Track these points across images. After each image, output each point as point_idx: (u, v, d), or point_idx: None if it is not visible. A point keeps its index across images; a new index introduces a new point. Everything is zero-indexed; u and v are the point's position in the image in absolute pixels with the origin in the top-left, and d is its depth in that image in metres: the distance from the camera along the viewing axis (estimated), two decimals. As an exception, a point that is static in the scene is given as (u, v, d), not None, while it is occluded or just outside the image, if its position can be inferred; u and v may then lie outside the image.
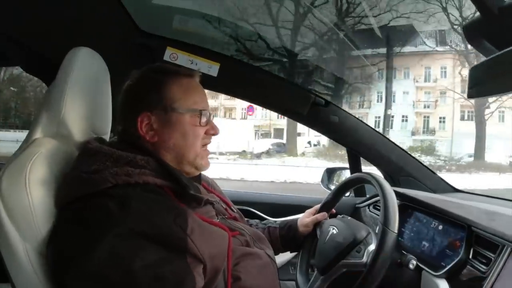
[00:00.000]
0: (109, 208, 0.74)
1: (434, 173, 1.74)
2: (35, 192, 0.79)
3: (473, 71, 0.69)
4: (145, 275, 0.69)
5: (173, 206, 0.80)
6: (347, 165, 1.85)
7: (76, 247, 0.73)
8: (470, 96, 0.70)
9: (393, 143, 1.73)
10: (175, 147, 0.91)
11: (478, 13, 0.67)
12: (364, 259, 0.99)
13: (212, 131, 0.97)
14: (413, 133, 18.81)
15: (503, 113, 19.31)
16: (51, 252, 0.78)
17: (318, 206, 1.33)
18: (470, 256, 0.99)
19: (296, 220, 1.31)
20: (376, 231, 1.03)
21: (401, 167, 1.70)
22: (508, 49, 0.58)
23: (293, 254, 1.63)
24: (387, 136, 1.74)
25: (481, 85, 0.68)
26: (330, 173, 1.95)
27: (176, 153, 0.91)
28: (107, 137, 1.10)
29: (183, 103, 0.91)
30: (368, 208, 1.60)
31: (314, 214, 1.30)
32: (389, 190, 1.02)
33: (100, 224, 0.72)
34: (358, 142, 1.72)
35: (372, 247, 1.00)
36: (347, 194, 1.71)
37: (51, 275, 0.79)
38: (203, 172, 1.02)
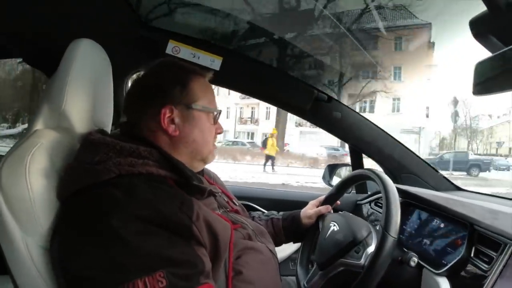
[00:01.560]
0: (115, 196, 0.73)
1: (436, 171, 1.74)
2: (35, 183, 0.78)
3: (479, 67, 0.68)
4: (156, 258, 0.69)
5: (178, 194, 0.80)
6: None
7: (83, 236, 0.72)
8: (475, 93, 0.69)
9: (396, 140, 1.72)
10: (193, 143, 0.93)
11: (485, 8, 0.66)
12: (362, 261, 0.98)
13: (219, 130, 1.00)
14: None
15: (373, 102, 19.61)
16: (56, 244, 0.77)
17: (321, 197, 1.33)
18: (472, 255, 0.98)
19: (299, 211, 1.32)
20: (377, 228, 1.03)
21: (403, 165, 1.70)
22: None
23: (293, 249, 1.64)
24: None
25: (487, 81, 0.67)
26: (331, 169, 1.95)
27: (194, 148, 0.93)
28: (108, 129, 1.10)
29: (202, 101, 0.94)
30: (370, 205, 1.59)
31: (318, 206, 1.30)
32: (393, 192, 1.01)
33: (106, 212, 0.71)
34: (360, 139, 1.71)
35: (371, 249, 0.99)
36: (349, 190, 1.71)
37: (53, 267, 0.79)
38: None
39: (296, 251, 1.63)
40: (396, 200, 0.99)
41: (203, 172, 1.03)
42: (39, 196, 0.78)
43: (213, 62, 1.49)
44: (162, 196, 0.76)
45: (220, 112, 0.99)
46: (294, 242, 1.37)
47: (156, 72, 0.96)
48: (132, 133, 0.92)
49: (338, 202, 1.34)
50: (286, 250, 1.64)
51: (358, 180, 1.34)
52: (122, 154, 0.82)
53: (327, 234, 1.09)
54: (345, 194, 1.36)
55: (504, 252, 0.89)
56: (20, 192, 0.77)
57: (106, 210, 0.72)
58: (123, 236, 0.69)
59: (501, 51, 0.62)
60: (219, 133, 1.00)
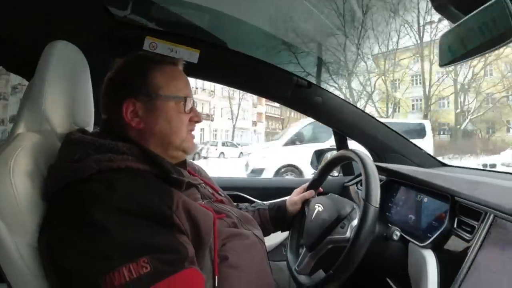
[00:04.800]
0: (96, 191, 0.75)
1: (420, 149, 1.76)
2: (20, 184, 0.79)
3: (443, 39, 0.69)
4: (139, 245, 0.70)
5: (158, 186, 0.82)
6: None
7: (69, 231, 0.73)
8: (442, 64, 0.71)
9: (379, 121, 1.74)
10: (161, 134, 0.92)
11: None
12: (348, 234, 1.00)
13: (196, 118, 0.98)
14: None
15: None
16: (44, 240, 0.78)
17: (305, 185, 1.36)
18: (455, 226, 1.00)
19: (284, 200, 1.33)
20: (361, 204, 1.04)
21: (388, 145, 1.73)
22: (474, 12, 0.59)
23: (285, 236, 1.66)
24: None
25: (452, 51, 0.69)
26: (319, 155, 1.97)
27: (162, 139, 0.93)
28: (90, 128, 1.10)
29: (167, 90, 0.93)
30: (356, 186, 1.62)
31: (302, 193, 1.32)
32: (371, 165, 1.03)
33: (89, 206, 0.73)
34: (343, 122, 1.73)
35: (355, 222, 1.01)
36: (336, 174, 1.74)
37: (42, 263, 0.79)
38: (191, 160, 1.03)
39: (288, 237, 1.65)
40: (374, 172, 1.01)
41: (186, 165, 1.04)
42: (24, 196, 0.79)
43: (191, 55, 1.49)
44: (142, 188, 0.78)
45: (190, 98, 0.96)
46: (282, 231, 1.39)
47: (117, 68, 0.96)
48: (111, 130, 0.93)
49: (321, 189, 1.36)
50: (277, 237, 1.65)
51: (338, 162, 1.36)
52: (101, 151, 0.83)
53: (313, 216, 1.11)
54: (333, 178, 1.38)
55: (485, 221, 0.91)
56: (6, 194, 0.77)
57: (89, 204, 0.73)
58: (106, 228, 0.70)
59: (460, 21, 0.63)
60: (196, 122, 0.99)
